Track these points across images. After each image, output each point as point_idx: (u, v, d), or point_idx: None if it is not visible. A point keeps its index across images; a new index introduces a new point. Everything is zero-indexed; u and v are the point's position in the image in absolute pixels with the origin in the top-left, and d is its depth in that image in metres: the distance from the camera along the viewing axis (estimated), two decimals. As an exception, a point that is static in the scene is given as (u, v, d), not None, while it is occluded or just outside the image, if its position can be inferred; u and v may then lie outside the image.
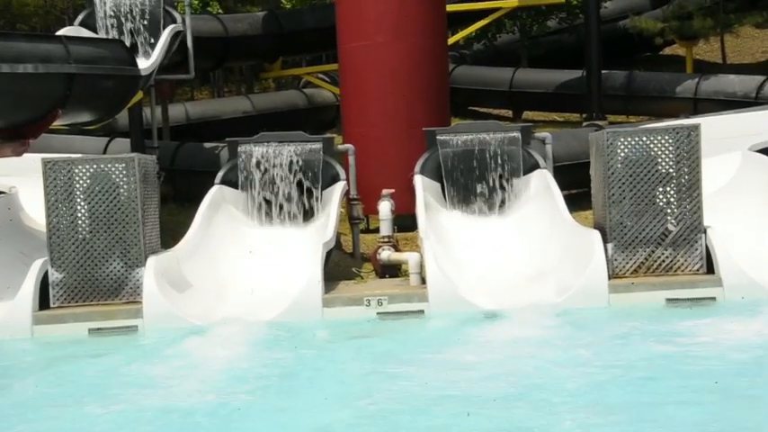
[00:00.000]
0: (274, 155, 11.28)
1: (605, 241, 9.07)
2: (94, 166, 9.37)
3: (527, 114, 19.20)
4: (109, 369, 7.60)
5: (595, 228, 9.42)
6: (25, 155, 10.89)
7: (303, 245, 10.26)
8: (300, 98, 19.32)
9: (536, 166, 11.19)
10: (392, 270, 10.47)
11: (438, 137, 11.54)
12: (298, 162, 11.26)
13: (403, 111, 12.77)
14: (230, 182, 11.28)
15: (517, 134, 11.42)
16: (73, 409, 6.49)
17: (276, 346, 8.08)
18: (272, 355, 7.81)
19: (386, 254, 10.46)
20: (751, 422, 5.54)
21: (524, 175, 11.21)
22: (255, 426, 5.99)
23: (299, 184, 11.26)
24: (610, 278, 8.83)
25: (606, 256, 8.93)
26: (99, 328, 8.79)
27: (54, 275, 9.18)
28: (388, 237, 10.65)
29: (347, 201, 11.77)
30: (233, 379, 7.03)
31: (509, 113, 19.47)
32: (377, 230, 11.20)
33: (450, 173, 11.42)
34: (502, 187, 11.27)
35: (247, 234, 10.81)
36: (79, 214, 9.30)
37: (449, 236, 10.57)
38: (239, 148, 11.33)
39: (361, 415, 6.05)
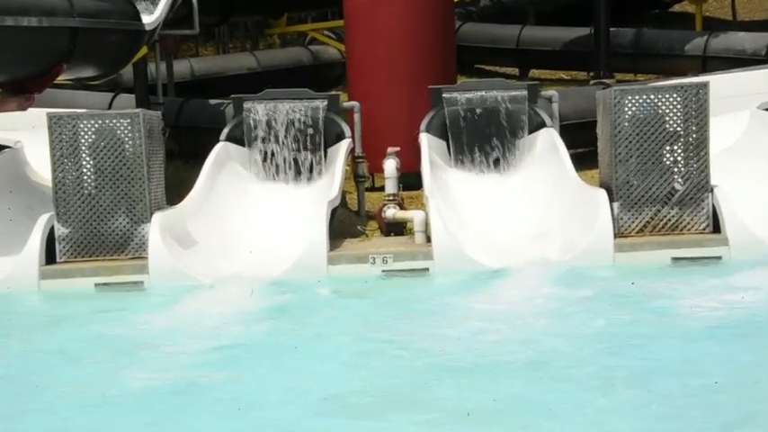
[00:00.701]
0: (280, 111, 11.23)
1: (611, 200, 9.03)
2: (99, 122, 9.34)
3: (534, 72, 19.04)
4: (113, 324, 7.65)
5: (601, 187, 9.39)
6: (30, 109, 10.87)
7: (308, 202, 10.26)
8: (306, 55, 19.15)
9: (542, 125, 11.12)
10: (397, 228, 10.47)
11: (444, 95, 11.45)
12: (303, 119, 11.21)
13: (409, 68, 12.65)
14: (235, 138, 11.24)
15: (524, 92, 11.33)
16: (73, 365, 6.55)
17: (281, 304, 8.13)
18: (276, 312, 7.86)
19: (391, 212, 10.44)
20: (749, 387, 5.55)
21: (531, 133, 11.15)
22: (260, 384, 6.02)
23: (305, 141, 11.22)
24: (615, 237, 8.82)
25: (612, 215, 8.91)
26: (105, 283, 8.83)
27: (60, 230, 9.19)
28: (394, 195, 10.63)
29: (352, 158, 11.73)
30: (236, 337, 7.06)
31: (516, 72, 19.31)
32: (382, 189, 11.17)
33: (455, 131, 11.37)
34: (508, 145, 11.22)
35: (253, 191, 10.80)
36: (84, 170, 9.28)
37: (454, 194, 10.55)
38: (244, 105, 11.28)
39: (364, 374, 6.08)
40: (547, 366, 6.00)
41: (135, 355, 6.71)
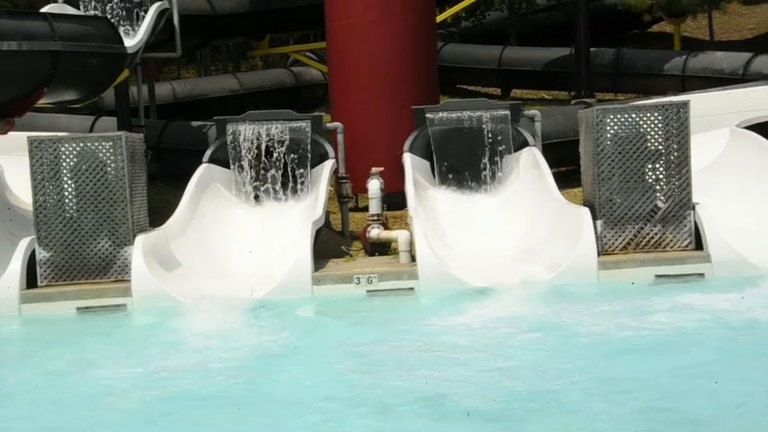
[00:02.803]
0: (262, 133, 11.23)
1: (594, 218, 9.08)
2: (81, 145, 9.30)
3: (516, 92, 19.17)
4: (95, 348, 7.57)
5: (585, 205, 9.43)
6: (10, 133, 10.80)
7: (292, 223, 10.23)
8: (288, 76, 19.21)
9: (525, 144, 11.19)
10: (382, 248, 10.46)
11: (427, 114, 11.52)
12: (286, 140, 11.21)
13: (391, 89, 12.71)
14: (218, 160, 11.23)
15: (506, 112, 11.40)
16: (55, 389, 6.47)
17: (266, 325, 8.07)
18: (261, 333, 7.80)
19: (375, 232, 10.45)
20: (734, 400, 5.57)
21: (514, 152, 11.21)
22: (244, 405, 5.96)
23: (289, 162, 11.21)
24: (599, 255, 8.85)
25: (596, 233, 8.95)
26: (87, 307, 8.76)
27: (41, 254, 9.12)
28: (378, 215, 10.64)
29: (336, 179, 11.74)
30: (220, 359, 7.00)
31: (498, 91, 19.43)
32: (366, 209, 11.18)
33: (439, 151, 11.41)
34: (491, 165, 11.27)
35: (236, 212, 10.77)
36: (66, 193, 9.23)
37: (438, 214, 10.57)
38: (227, 127, 11.27)
39: (349, 393, 6.04)
40: (531, 380, 6.01)
41: (113, 377, 6.63)
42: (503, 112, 11.39)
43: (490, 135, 11.27)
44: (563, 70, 17.67)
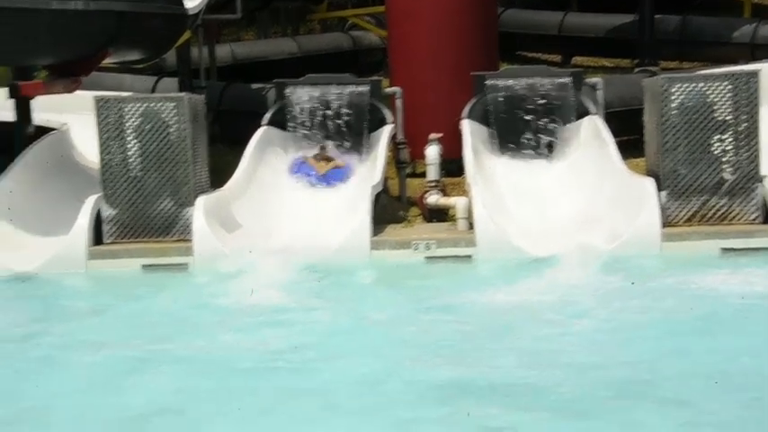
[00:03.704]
0: (321, 97, 11.24)
1: (659, 189, 8.92)
2: (145, 105, 9.42)
3: (576, 59, 18.82)
4: (159, 306, 7.70)
5: (648, 175, 9.28)
6: (76, 92, 10.98)
7: (351, 187, 10.26)
8: (346, 40, 19.11)
9: (587, 113, 11.01)
10: (439, 214, 10.45)
11: (486, 81, 11.39)
12: (345, 104, 11.20)
13: (451, 54, 12.57)
14: (277, 123, 11.28)
15: (568, 79, 11.23)
16: (118, 347, 6.58)
17: (323, 288, 8.14)
18: (318, 297, 7.86)
19: (433, 198, 10.42)
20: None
21: (575, 121, 11.05)
22: (300, 372, 5.97)
23: (347, 127, 11.22)
24: (663, 226, 8.71)
25: (659, 204, 8.80)
26: (151, 265, 8.93)
27: (107, 212, 9.30)
28: (436, 181, 10.61)
29: (394, 144, 11.70)
30: (277, 322, 7.06)
31: (558, 59, 19.10)
32: (423, 175, 11.14)
33: (498, 118, 11.29)
34: (551, 133, 11.13)
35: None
36: (130, 152, 9.38)
37: (497, 181, 10.50)
38: (286, 90, 11.30)
39: (405, 359, 6.05)
40: (590, 359, 5.86)
41: (174, 339, 6.74)
42: (564, 80, 11.22)
43: (551, 103, 11.12)
44: (627, 37, 17.28)
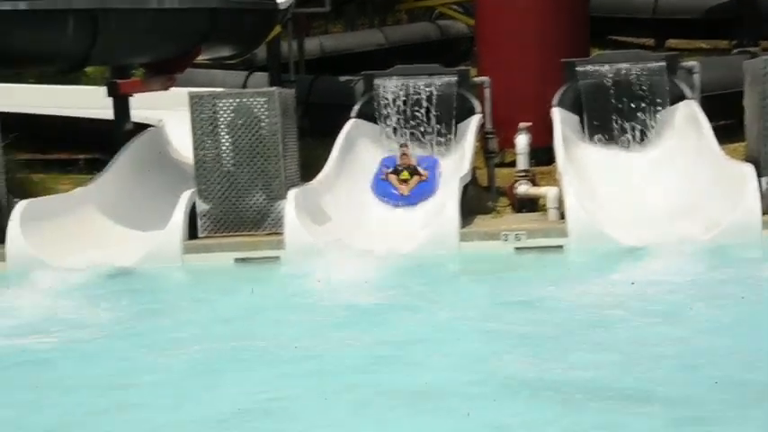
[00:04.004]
0: (410, 88, 11.23)
1: (759, 175, 8.59)
2: (237, 100, 9.61)
3: (671, 43, 18.26)
4: (251, 300, 7.83)
5: (748, 161, 8.95)
6: (171, 89, 11.28)
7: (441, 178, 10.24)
8: (434, 30, 19.02)
9: (682, 97, 10.69)
10: (529, 205, 10.33)
11: (577, 68, 11.17)
12: (433, 95, 11.17)
13: (540, 41, 12.36)
14: (366, 115, 11.32)
15: (662, 64, 10.92)
16: (211, 341, 6.71)
17: (413, 282, 8.12)
18: (408, 291, 7.83)
19: (523, 188, 10.31)
20: None
21: (670, 106, 10.74)
22: (392, 369, 5.92)
23: (435, 117, 11.18)
24: (764, 213, 8.39)
25: (760, 191, 8.48)
26: (244, 258, 9.11)
27: (201, 206, 9.53)
28: (526, 170, 10.49)
29: (482, 134, 11.61)
30: (366, 317, 7.09)
31: (651, 42, 18.57)
32: (511, 164, 11.03)
33: (589, 105, 11.06)
34: (645, 119, 10.84)
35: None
36: (223, 147, 9.58)
37: (588, 170, 10.31)
38: (374, 81, 11.34)
39: (495, 350, 6.01)
40: (696, 358, 5.54)
41: (273, 325, 6.88)
42: (659, 64, 10.91)
43: (644, 88, 10.83)
44: (724, 17, 16.66)
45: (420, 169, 10.42)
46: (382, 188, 10.41)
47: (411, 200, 10.22)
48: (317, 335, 6.60)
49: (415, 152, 10.81)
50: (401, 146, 10.65)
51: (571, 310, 6.85)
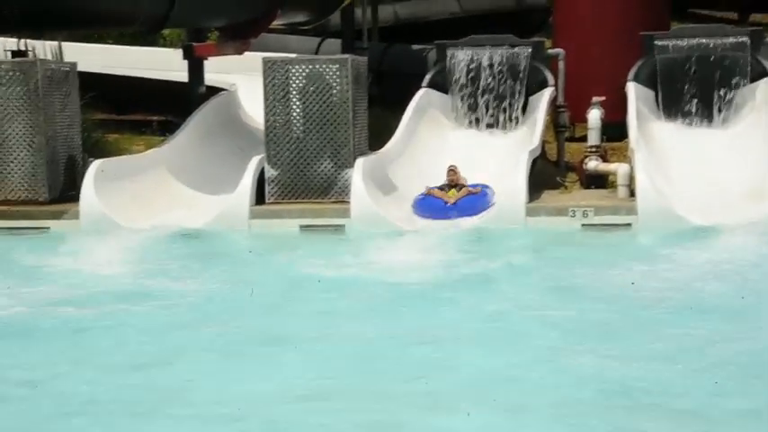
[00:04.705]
0: (483, 58, 11.11)
1: (840, 158, 8.30)
2: (310, 67, 9.63)
3: (755, 17, 17.63)
4: (314, 269, 7.82)
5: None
6: (246, 53, 11.38)
7: (508, 151, 10.14)
8: (509, 1, 18.73)
9: (764, 74, 10.35)
10: (598, 181, 10.16)
11: (656, 42, 10.91)
12: (506, 66, 11.04)
13: (619, 13, 12.08)
14: (437, 85, 11.25)
15: (745, 39, 10.59)
16: (273, 305, 6.80)
17: (478, 253, 8.10)
18: (473, 261, 7.83)
19: (593, 164, 10.15)
20: None
21: (751, 83, 10.40)
22: (457, 329, 6.04)
23: (507, 89, 11.05)
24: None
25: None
26: (309, 225, 9.17)
27: (270, 172, 9.62)
28: (596, 146, 10.31)
29: (554, 108, 11.43)
30: (433, 284, 7.10)
31: (734, 16, 17.96)
32: (582, 139, 10.85)
33: (667, 81, 10.79)
34: (723, 96, 10.53)
35: (453, 138, 10.80)
36: (294, 114, 9.63)
37: (661, 147, 10.09)
38: (447, 51, 11.25)
39: (558, 327, 5.95)
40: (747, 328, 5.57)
41: (323, 299, 6.89)
42: (741, 39, 10.59)
43: (724, 64, 10.51)
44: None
45: (469, 187, 9.36)
46: (425, 203, 9.29)
47: (459, 209, 9.05)
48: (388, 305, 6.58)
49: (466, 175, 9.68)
50: (449, 168, 9.56)
51: (637, 295, 6.66)
